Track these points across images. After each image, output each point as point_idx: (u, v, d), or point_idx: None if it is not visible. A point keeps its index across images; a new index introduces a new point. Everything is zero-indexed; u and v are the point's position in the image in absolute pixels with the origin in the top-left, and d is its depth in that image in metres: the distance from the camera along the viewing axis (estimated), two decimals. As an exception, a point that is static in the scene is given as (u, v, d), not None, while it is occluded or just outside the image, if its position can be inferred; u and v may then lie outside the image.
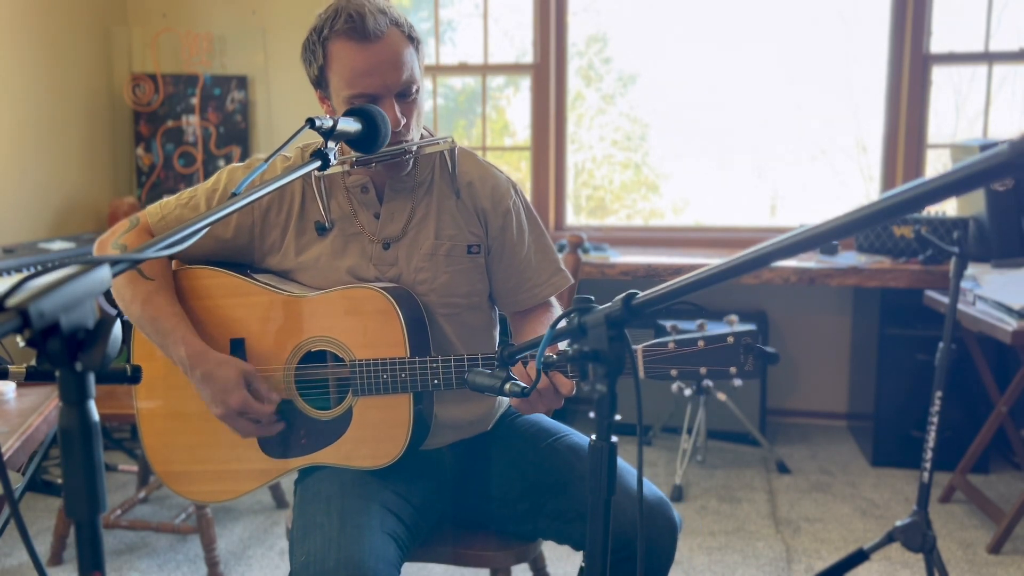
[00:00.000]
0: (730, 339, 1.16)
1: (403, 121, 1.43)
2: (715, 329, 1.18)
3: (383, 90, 1.41)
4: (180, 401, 1.53)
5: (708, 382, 1.19)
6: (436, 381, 1.40)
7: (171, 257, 1.55)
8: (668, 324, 1.20)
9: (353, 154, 1.42)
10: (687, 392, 3.17)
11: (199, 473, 1.54)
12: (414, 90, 1.45)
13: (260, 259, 1.57)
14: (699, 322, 1.20)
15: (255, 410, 1.43)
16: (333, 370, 1.48)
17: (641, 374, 1.22)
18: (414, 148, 1.47)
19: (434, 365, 1.40)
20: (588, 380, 1.17)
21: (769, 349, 1.13)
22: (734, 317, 1.17)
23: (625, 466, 1.46)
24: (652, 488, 1.45)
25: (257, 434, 1.48)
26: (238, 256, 1.57)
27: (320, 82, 1.47)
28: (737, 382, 1.17)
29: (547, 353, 1.24)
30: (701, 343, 1.17)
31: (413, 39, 1.45)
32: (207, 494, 1.56)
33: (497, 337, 1.68)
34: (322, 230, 1.53)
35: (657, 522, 1.40)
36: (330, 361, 1.48)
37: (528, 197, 1.70)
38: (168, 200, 1.59)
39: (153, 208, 1.58)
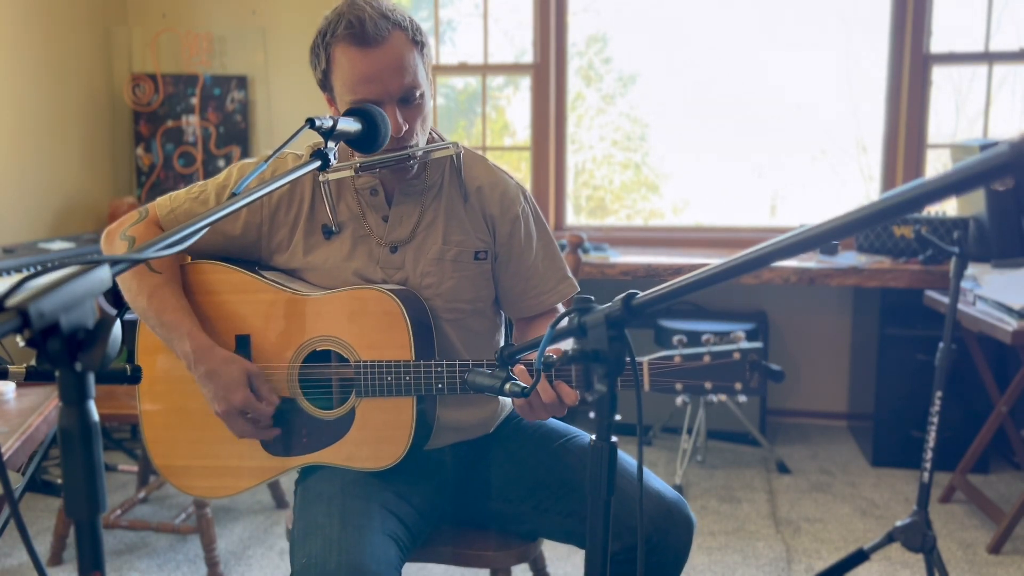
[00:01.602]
0: (736, 355, 1.17)
1: (405, 127, 1.42)
2: (721, 344, 1.19)
3: (385, 96, 1.40)
4: (183, 396, 1.53)
5: (712, 397, 1.20)
6: (440, 385, 1.40)
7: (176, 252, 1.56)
8: (675, 338, 1.21)
9: (357, 158, 1.42)
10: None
11: (199, 468, 1.54)
12: (417, 95, 1.43)
13: (267, 257, 1.57)
14: (706, 336, 1.21)
15: (256, 410, 1.43)
16: (338, 370, 1.47)
17: (646, 387, 1.24)
18: (418, 154, 1.46)
19: (439, 369, 1.40)
20: (593, 391, 1.18)
21: (774, 367, 1.14)
22: (741, 333, 1.18)
23: (646, 470, 1.46)
24: (669, 488, 1.46)
25: (253, 436, 1.48)
26: (246, 252, 1.57)
27: (325, 85, 1.47)
28: (741, 398, 1.19)
29: (547, 353, 1.25)
30: (707, 358, 1.19)
31: (418, 42, 1.43)
32: (206, 489, 1.56)
33: (501, 342, 1.68)
34: (329, 233, 1.53)
35: (676, 520, 1.41)
36: (334, 361, 1.48)
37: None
38: (178, 193, 1.58)
39: (162, 200, 1.57)
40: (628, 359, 0.88)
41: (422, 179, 1.55)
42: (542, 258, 1.60)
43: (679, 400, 1.22)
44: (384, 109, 1.39)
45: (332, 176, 1.47)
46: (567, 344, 1.41)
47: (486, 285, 1.58)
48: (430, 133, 1.56)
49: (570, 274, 1.64)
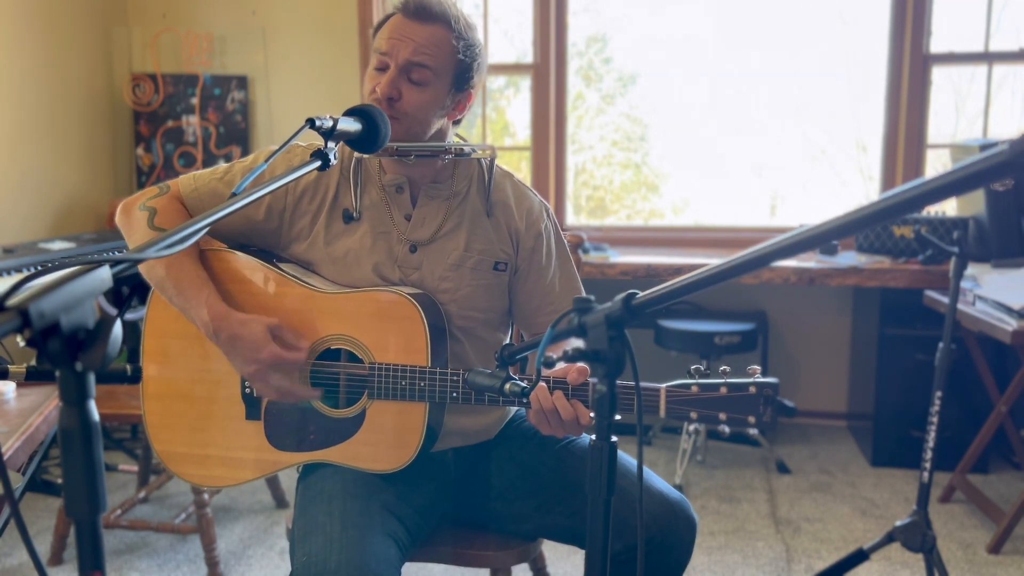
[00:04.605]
0: (752, 389, 1.19)
1: (393, 93, 1.44)
2: (738, 377, 1.22)
3: (392, 52, 1.44)
4: (188, 382, 1.52)
5: (725, 427, 1.22)
6: (455, 394, 1.40)
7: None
8: (693, 367, 1.24)
9: (395, 144, 1.44)
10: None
11: (200, 457, 1.53)
12: (420, 76, 1.45)
13: (286, 245, 1.56)
14: (723, 368, 1.23)
15: (287, 360, 1.40)
16: (351, 370, 1.47)
17: (662, 413, 1.25)
18: (453, 149, 1.49)
19: (455, 377, 1.40)
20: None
21: (788, 403, 1.17)
22: (756, 367, 1.21)
23: (646, 469, 1.47)
24: (671, 488, 1.46)
25: (292, 395, 1.42)
26: (264, 239, 1.57)
27: (372, 46, 1.52)
28: (753, 431, 1.21)
29: (548, 353, 1.25)
30: (724, 389, 1.21)
31: (458, 51, 1.47)
32: (206, 478, 1.54)
33: None
34: (349, 219, 1.53)
35: (678, 519, 1.41)
36: (348, 361, 1.48)
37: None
38: (201, 172, 1.57)
39: (185, 178, 1.56)
40: (631, 365, 0.88)
41: (448, 184, 1.56)
42: (559, 276, 1.62)
43: (692, 428, 1.25)
44: (387, 71, 1.44)
45: (367, 155, 1.48)
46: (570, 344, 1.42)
47: (501, 296, 1.59)
48: (459, 138, 1.59)
49: (585, 293, 1.65)
